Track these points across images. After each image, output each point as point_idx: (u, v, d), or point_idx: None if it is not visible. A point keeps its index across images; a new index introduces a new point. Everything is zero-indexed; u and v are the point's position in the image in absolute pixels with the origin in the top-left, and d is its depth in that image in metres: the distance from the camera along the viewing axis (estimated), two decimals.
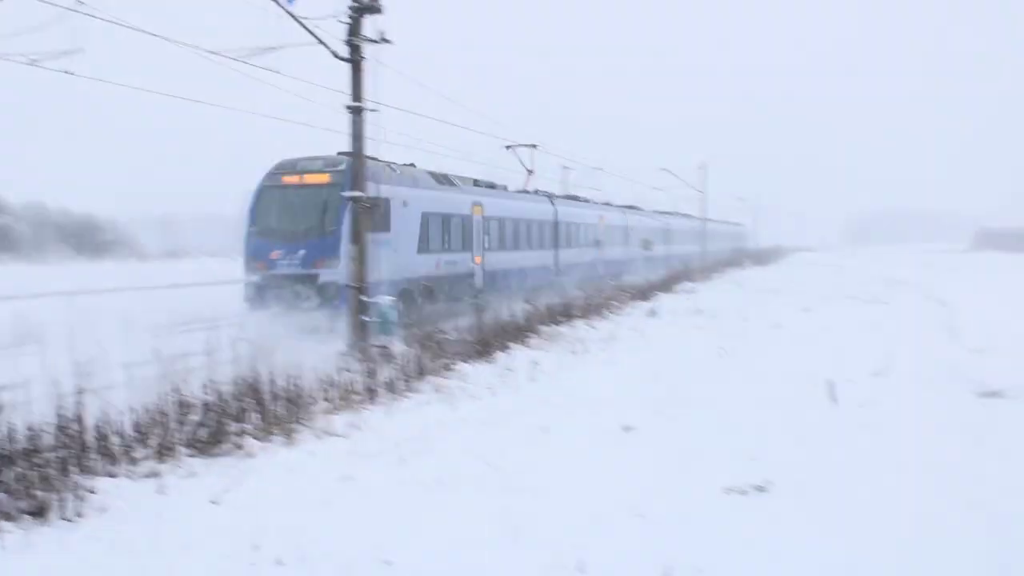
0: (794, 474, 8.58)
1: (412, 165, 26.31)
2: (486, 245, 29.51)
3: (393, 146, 28.68)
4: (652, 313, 24.72)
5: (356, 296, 17.77)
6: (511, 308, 20.16)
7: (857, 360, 16.13)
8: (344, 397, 12.35)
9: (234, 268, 25.30)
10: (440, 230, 26.32)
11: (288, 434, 10.37)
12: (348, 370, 13.93)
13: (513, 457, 9.40)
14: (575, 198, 42.88)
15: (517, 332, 18.62)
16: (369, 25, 17.72)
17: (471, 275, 28.34)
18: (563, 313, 22.32)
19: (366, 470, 8.99)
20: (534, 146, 38.49)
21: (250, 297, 21.51)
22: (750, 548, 6.85)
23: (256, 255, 21.82)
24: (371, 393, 12.78)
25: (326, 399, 12.10)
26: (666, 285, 35.60)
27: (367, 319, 17.69)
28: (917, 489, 8.35)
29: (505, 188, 34.28)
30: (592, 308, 24.48)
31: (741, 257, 62.12)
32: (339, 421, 11.11)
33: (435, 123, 28.14)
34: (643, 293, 31.03)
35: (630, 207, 53.13)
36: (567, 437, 10.36)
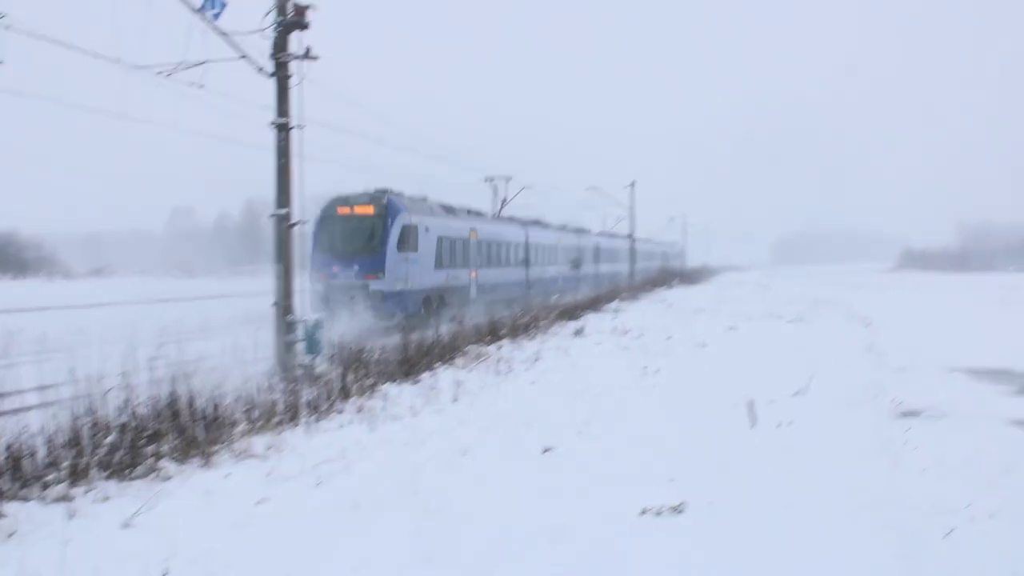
0: (710, 495, 8.64)
1: (425, 199, 32.95)
2: (478, 263, 36.39)
3: (323, 163, 28.67)
4: (578, 333, 24.79)
5: (281, 316, 17.64)
6: (438, 328, 20.14)
7: (779, 380, 16.30)
8: (265, 418, 12.23)
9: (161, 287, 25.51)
10: (449, 251, 33.05)
11: (206, 456, 10.23)
12: (272, 390, 13.82)
13: (431, 479, 9.37)
14: (538, 222, 49.26)
15: (443, 352, 18.58)
16: (295, 41, 17.66)
17: (468, 287, 35.12)
18: (490, 332, 22.34)
19: (283, 493, 8.91)
20: (509, 178, 47.76)
21: (315, 303, 27.10)
22: (663, 570, 6.89)
23: (319, 270, 28.19)
24: (293, 414, 12.65)
25: (247, 420, 11.98)
26: (594, 304, 35.72)
27: (293, 339, 17.57)
28: (831, 509, 8.43)
29: (488, 215, 42.14)
30: (519, 327, 24.50)
31: (669, 276, 62.46)
32: (259, 443, 10.97)
33: (368, 142, 28.37)
34: (570, 312, 31.12)
35: (580, 230, 60.14)
36: (486, 458, 10.35)
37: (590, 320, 29.35)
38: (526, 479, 9.40)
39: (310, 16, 17.67)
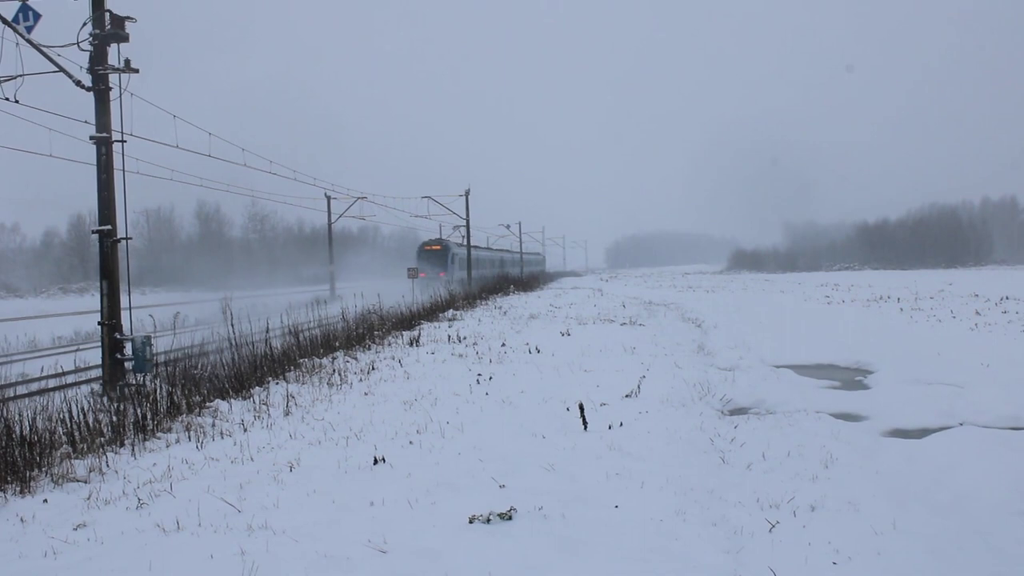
0: (540, 500, 8.66)
1: (458, 242, 73.47)
2: (475, 267, 74.21)
3: (145, 178, 28.07)
4: (414, 342, 24.78)
5: (108, 334, 17.23)
6: (271, 343, 19.91)
7: (612, 383, 16.56)
8: (89, 440, 11.93)
9: None
10: (457, 265, 69.07)
11: (24, 482, 9.92)
12: (98, 410, 13.49)
13: (257, 496, 9.20)
14: (499, 249, 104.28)
15: (276, 366, 18.38)
16: (114, 54, 17.29)
17: (463, 282, 64.84)
18: (324, 344, 22.19)
19: (103, 516, 8.64)
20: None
21: (417, 286, 51.51)
22: None
23: (423, 270, 57.71)
24: (119, 434, 12.36)
25: (69, 442, 11.67)
26: (430, 313, 35.75)
27: (121, 357, 17.17)
28: (660, 509, 8.52)
29: (481, 246, 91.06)
30: (354, 338, 24.40)
31: (505, 283, 62.99)
32: (81, 465, 10.68)
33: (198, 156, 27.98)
34: (406, 322, 31.09)
35: (505, 249, 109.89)
36: (315, 472, 10.20)
37: (426, 329, 29.31)
38: (355, 492, 9.30)
39: (129, 28, 17.31)
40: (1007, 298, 38.56)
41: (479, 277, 69.00)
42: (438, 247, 68.73)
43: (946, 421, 12.93)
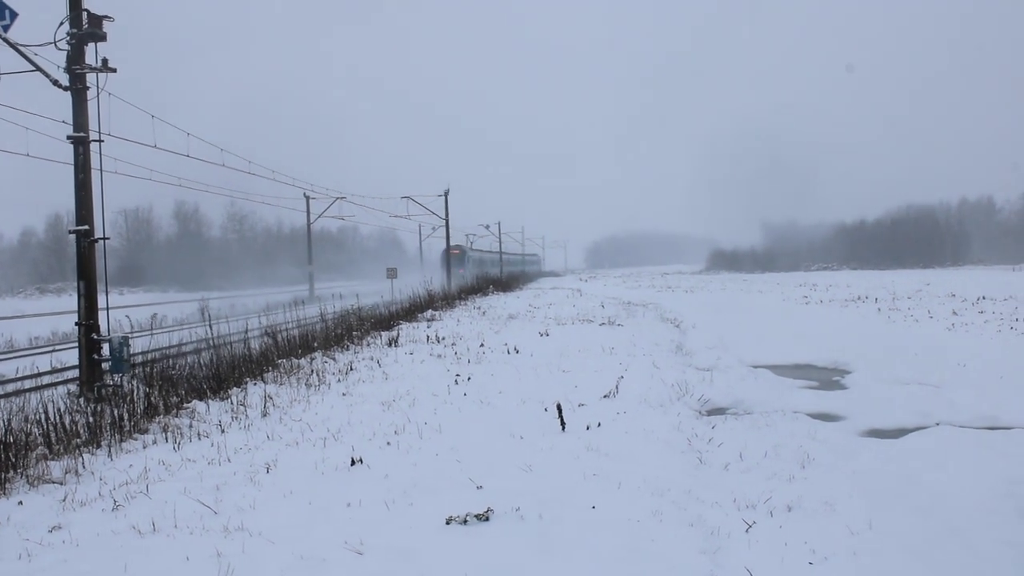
0: (518, 501, 8.64)
1: (470, 245, 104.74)
2: (486, 264, 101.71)
3: (123, 178, 27.99)
4: (392, 342, 24.75)
5: (86, 334, 17.15)
6: (249, 343, 19.88)
7: (590, 383, 16.57)
8: (66, 441, 11.87)
9: None
10: (478, 261, 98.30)
11: None
12: (75, 411, 13.44)
13: (234, 497, 9.17)
14: (503, 252, 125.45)
15: (254, 366, 18.32)
16: (92, 53, 17.21)
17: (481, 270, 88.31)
18: (303, 345, 22.15)
19: (79, 518, 8.59)
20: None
21: (444, 277, 73.35)
22: None
23: (446, 268, 79.68)
24: (95, 435, 12.31)
25: (45, 444, 11.62)
26: (409, 314, 35.68)
27: (98, 357, 17.09)
28: (637, 509, 8.53)
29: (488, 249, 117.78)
30: (333, 339, 24.36)
31: (485, 284, 62.95)
32: (57, 467, 10.63)
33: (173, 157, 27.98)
34: (385, 322, 31.05)
35: (508, 252, 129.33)
36: (292, 473, 10.18)
37: (404, 330, 29.23)
38: (332, 493, 9.28)
39: (107, 27, 17.23)
40: (984, 298, 38.77)
41: (481, 274, 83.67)
42: (457, 251, 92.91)
43: (923, 421, 12.99)
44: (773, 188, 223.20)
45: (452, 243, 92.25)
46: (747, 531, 7.90)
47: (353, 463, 10.56)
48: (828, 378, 17.89)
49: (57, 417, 12.44)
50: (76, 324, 17.46)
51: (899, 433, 12.16)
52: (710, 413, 14.17)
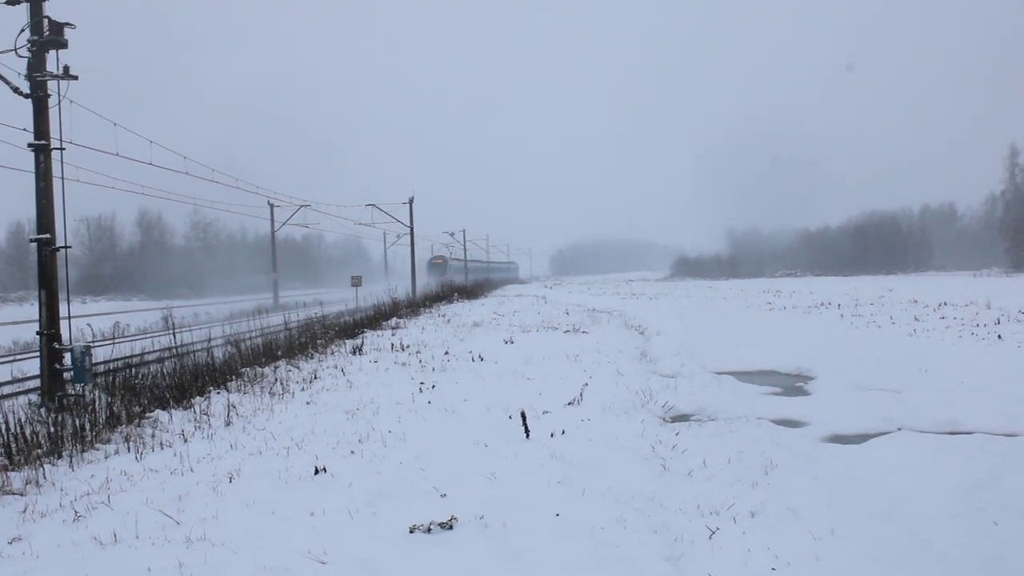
0: (482, 509, 8.65)
1: (451, 255, 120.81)
2: (452, 272, 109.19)
3: (85, 186, 27.82)
4: (357, 350, 24.69)
5: (48, 344, 17.02)
6: (213, 352, 19.79)
7: (555, 391, 16.58)
8: (26, 451, 11.77)
9: None
10: (452, 271, 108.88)
11: None
12: (36, 422, 13.33)
13: (196, 507, 9.10)
14: (486, 261, 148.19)
15: (218, 375, 18.22)
16: (53, 60, 17.11)
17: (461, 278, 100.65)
18: (266, 354, 22.07)
19: (39, 529, 8.50)
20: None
21: (429, 282, 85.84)
22: None
23: (430, 276, 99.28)
24: (57, 445, 12.20)
25: (5, 454, 11.52)
26: (373, 321, 35.62)
27: (60, 367, 16.97)
28: (601, 517, 8.56)
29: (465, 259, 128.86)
30: (296, 347, 24.29)
31: (449, 291, 62.92)
32: (17, 477, 10.53)
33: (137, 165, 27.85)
34: (349, 331, 30.97)
35: (490, 260, 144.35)
36: (255, 483, 10.11)
37: (369, 338, 29.18)
38: (296, 502, 9.23)
39: (68, 34, 17.14)
40: (945, 304, 39.04)
41: (463, 280, 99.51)
42: (440, 260, 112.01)
43: (885, 426, 13.09)
44: (737, 194, 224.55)
45: (435, 254, 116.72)
46: (711, 537, 7.93)
47: (317, 472, 10.53)
48: (791, 384, 18.01)
49: (18, 427, 12.32)
50: (37, 333, 17.34)
51: (861, 439, 12.25)
52: (674, 420, 14.23)
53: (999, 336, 24.38)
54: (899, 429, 12.83)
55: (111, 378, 16.44)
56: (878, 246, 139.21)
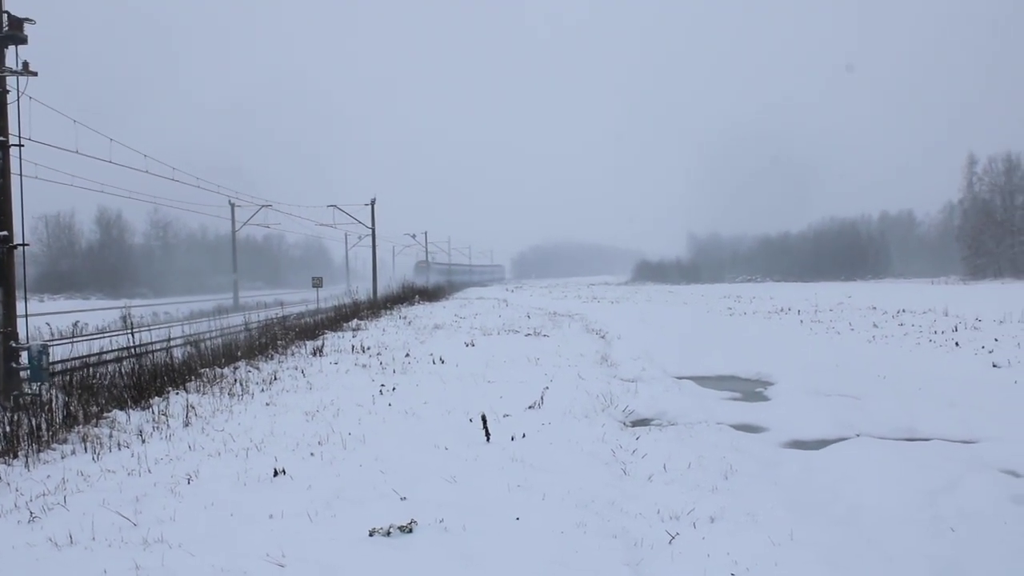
0: (441, 512, 8.62)
1: (433, 259, 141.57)
2: (435, 274, 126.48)
3: (44, 183, 27.59)
4: (317, 352, 24.59)
5: (4, 342, 16.84)
6: (172, 353, 19.65)
7: (516, 394, 16.59)
8: None
9: None
10: (436, 273, 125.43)
11: None
12: None
13: (154, 508, 9.02)
14: (468, 265, 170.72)
15: (176, 375, 18.09)
16: (12, 56, 16.94)
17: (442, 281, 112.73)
18: (226, 354, 21.94)
19: None
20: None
21: (416, 276, 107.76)
22: None
23: (419, 276, 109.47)
24: (12, 445, 12.06)
25: None
26: (334, 323, 35.50)
27: (17, 366, 16.80)
28: (561, 520, 8.55)
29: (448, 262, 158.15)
30: (256, 348, 24.16)
31: (410, 293, 62.76)
32: None
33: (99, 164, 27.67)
34: (310, 332, 30.84)
35: (473, 263, 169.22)
36: (214, 484, 10.03)
37: (329, 339, 29.06)
38: (254, 504, 9.16)
39: (28, 29, 16.98)
40: (903, 311, 39.39)
41: (445, 282, 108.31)
42: (424, 264, 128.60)
43: (843, 432, 13.19)
44: (700, 201, 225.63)
45: (423, 259, 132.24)
46: (670, 542, 7.95)
47: (276, 474, 10.47)
48: (751, 389, 18.12)
49: None
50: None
51: (820, 444, 12.32)
52: (634, 424, 14.27)
53: (956, 343, 24.65)
54: (858, 435, 12.93)
55: (69, 377, 16.32)
56: (837, 252, 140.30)
